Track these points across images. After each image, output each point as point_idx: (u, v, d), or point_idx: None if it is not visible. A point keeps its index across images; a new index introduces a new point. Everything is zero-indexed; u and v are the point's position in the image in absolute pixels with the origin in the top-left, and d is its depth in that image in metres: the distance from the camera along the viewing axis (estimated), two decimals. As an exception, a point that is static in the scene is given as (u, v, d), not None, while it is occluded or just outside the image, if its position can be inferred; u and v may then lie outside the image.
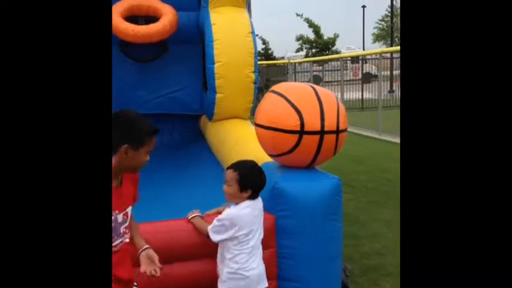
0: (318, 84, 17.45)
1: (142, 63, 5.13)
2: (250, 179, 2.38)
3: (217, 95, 4.39)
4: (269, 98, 2.66)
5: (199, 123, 5.49)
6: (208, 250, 2.49)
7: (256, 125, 2.68)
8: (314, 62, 19.09)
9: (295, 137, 2.51)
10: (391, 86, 19.76)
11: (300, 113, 2.50)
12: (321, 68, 19.65)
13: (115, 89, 5.59)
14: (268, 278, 2.60)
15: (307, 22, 24.02)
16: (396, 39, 30.04)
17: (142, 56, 5.09)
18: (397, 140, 10.13)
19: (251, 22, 4.45)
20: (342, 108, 2.63)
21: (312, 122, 2.50)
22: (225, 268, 2.35)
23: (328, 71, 19.47)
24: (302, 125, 2.49)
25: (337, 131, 2.55)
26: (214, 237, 2.37)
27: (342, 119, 2.58)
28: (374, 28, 45.09)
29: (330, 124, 2.52)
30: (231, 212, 2.38)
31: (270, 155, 2.74)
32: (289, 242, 2.59)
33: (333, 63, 19.51)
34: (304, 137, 2.51)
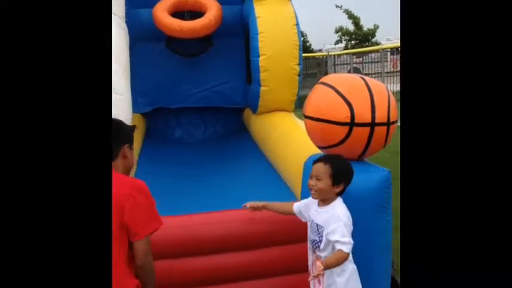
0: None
1: (187, 58, 5.21)
2: (344, 173, 2.25)
3: (262, 88, 4.41)
4: (318, 90, 2.66)
5: (242, 116, 5.53)
6: (264, 240, 2.54)
7: (306, 116, 2.69)
8: (353, 54, 18.83)
9: (345, 129, 2.51)
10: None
11: (351, 104, 2.49)
12: (360, 60, 19.38)
13: (161, 84, 5.72)
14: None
15: (347, 13, 23.69)
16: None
17: (188, 50, 5.18)
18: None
19: (295, 14, 4.44)
20: (393, 99, 2.60)
21: (363, 114, 2.48)
22: (350, 264, 2.22)
23: (368, 62, 19.16)
24: (352, 116, 2.48)
25: (388, 123, 2.53)
26: (346, 248, 2.10)
27: (392, 111, 2.55)
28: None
29: (380, 116, 2.50)
30: (343, 211, 2.19)
31: (319, 147, 2.74)
32: (338, 234, 2.59)
33: (372, 55, 19.19)
34: (355, 129, 2.50)
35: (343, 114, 2.49)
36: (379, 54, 18.43)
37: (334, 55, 19.09)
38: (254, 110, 4.75)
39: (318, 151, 2.94)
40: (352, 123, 2.49)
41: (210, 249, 2.62)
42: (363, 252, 2.58)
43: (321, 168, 2.23)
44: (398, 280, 3.11)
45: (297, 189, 3.04)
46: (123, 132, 2.10)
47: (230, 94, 5.30)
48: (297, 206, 2.48)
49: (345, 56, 19.30)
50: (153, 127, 5.43)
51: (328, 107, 2.54)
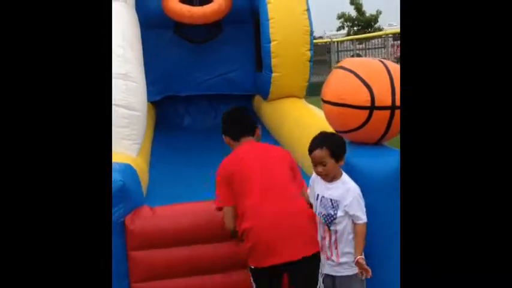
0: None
1: (196, 44, 5.18)
2: (340, 146, 2.38)
3: (273, 74, 4.40)
4: (337, 74, 2.65)
5: (252, 103, 5.52)
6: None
7: (324, 101, 2.68)
8: (355, 40, 18.74)
9: (366, 112, 2.50)
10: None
11: (370, 88, 2.48)
12: (362, 46, 19.27)
13: (170, 71, 5.69)
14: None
15: (349, -1, 23.57)
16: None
17: (197, 37, 5.15)
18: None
19: (306, -1, 4.41)
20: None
21: (383, 97, 2.47)
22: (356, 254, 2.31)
23: (370, 49, 19.06)
24: (373, 100, 2.47)
25: (408, 106, 2.52)
26: (365, 218, 2.35)
27: (412, 94, 2.55)
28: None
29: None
30: (354, 185, 2.37)
31: (338, 132, 2.73)
32: (359, 219, 2.59)
33: (373, 41, 19.09)
34: (375, 112, 2.49)
35: (363, 98, 2.48)
36: (381, 40, 18.36)
37: (337, 42, 18.99)
38: (265, 96, 4.74)
39: (335, 136, 2.94)
40: (372, 107, 2.48)
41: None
42: (384, 235, 2.59)
43: (320, 153, 2.33)
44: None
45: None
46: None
47: (240, 81, 5.28)
48: (309, 190, 2.52)
49: (347, 42, 19.21)
50: (163, 115, 5.42)
51: (348, 91, 2.53)
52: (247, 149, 2.43)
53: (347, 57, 18.60)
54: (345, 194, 2.33)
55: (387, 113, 2.50)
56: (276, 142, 4.25)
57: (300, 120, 3.86)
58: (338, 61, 17.54)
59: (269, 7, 4.31)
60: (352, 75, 2.54)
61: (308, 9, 4.39)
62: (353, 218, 2.33)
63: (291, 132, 3.87)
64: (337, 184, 2.37)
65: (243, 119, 2.58)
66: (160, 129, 5.03)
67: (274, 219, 2.19)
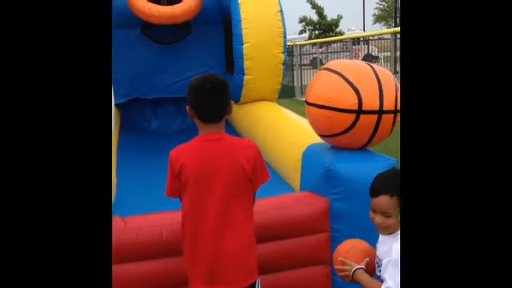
0: (316, 67, 17.27)
1: (164, 45, 5.00)
2: None
3: (246, 77, 4.27)
4: (323, 76, 2.55)
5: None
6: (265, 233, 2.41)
7: (309, 103, 2.57)
8: (316, 43, 18.90)
9: (352, 116, 2.41)
10: (395, 67, 19.64)
11: (358, 91, 2.39)
12: (323, 49, 19.46)
13: (136, 72, 5.52)
14: (322, 262, 2.53)
15: (311, 3, 23.77)
16: (398, 19, 29.72)
17: (165, 38, 4.96)
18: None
19: (279, 0, 4.31)
20: (399, 87, 2.52)
21: (371, 101, 2.39)
22: None
23: (331, 52, 19.28)
24: (360, 103, 2.38)
25: (395, 111, 2.45)
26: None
27: (400, 99, 2.48)
28: (374, 9, 44.73)
29: (388, 103, 2.41)
30: (398, 247, 1.68)
31: (322, 136, 2.63)
32: (343, 226, 2.50)
33: (334, 45, 19.31)
34: (362, 116, 2.40)
35: (350, 101, 2.39)
36: (340, 44, 18.59)
37: (299, 45, 19.11)
38: (236, 100, 4.60)
39: (314, 140, 2.84)
40: (359, 111, 2.39)
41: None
42: (368, 241, 2.52)
43: (388, 203, 1.80)
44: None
45: (295, 181, 2.93)
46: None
47: (209, 84, 5.13)
48: None
49: (308, 46, 19.36)
50: (128, 119, 5.20)
51: (335, 93, 2.43)
52: (209, 149, 2.01)
53: (309, 60, 18.73)
54: (388, 251, 1.81)
55: (374, 117, 2.41)
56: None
57: (276, 124, 3.74)
58: (301, 64, 17.66)
59: (241, 7, 4.19)
60: (339, 77, 2.44)
61: (281, 11, 4.29)
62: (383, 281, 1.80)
63: (265, 136, 3.75)
64: (390, 239, 1.84)
65: (217, 102, 2.01)
66: (126, 133, 4.81)
67: (207, 256, 1.93)
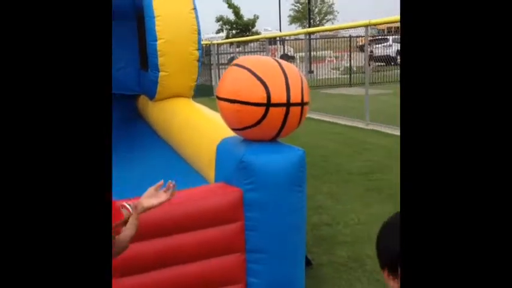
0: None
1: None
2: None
3: (160, 73, 4.27)
4: (232, 71, 2.64)
5: (135, 104, 5.32)
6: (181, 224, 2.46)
7: (220, 98, 2.65)
8: (233, 43, 19.10)
9: (262, 109, 2.52)
10: (310, 66, 20.35)
11: (266, 85, 2.50)
12: (241, 49, 19.71)
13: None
14: (237, 251, 2.63)
15: (227, 3, 23.92)
16: (312, 20, 30.68)
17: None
18: (326, 118, 10.47)
19: (193, -2, 4.36)
20: (305, 81, 2.67)
21: (278, 94, 2.51)
22: None
23: (249, 52, 19.56)
24: (268, 97, 2.50)
25: (302, 103, 2.60)
26: None
27: (305, 92, 2.62)
28: (290, 10, 45.90)
29: (295, 96, 2.55)
30: None
31: (234, 129, 2.73)
32: (256, 215, 2.61)
33: (251, 44, 19.63)
34: (271, 109, 2.52)
35: (259, 95, 2.50)
36: (257, 44, 18.92)
37: (217, 44, 19.21)
38: (151, 96, 4.59)
39: (228, 134, 2.93)
40: (268, 104, 2.51)
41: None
42: (279, 232, 2.64)
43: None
44: (310, 258, 3.25)
45: (210, 173, 3.00)
46: None
47: (124, 80, 5.06)
48: None
49: (226, 45, 19.51)
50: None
51: (244, 88, 2.53)
52: None
53: (227, 59, 18.89)
54: None
55: (283, 110, 2.54)
56: (164, 143, 4.13)
57: (190, 119, 3.79)
58: (218, 63, 17.75)
59: (154, 4, 4.18)
60: (248, 72, 2.54)
61: (195, 8, 4.34)
62: None
63: (180, 132, 3.79)
64: None
65: None
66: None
67: None
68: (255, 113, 2.53)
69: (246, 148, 2.64)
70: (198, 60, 4.36)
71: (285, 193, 2.61)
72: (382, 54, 20.71)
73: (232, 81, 2.60)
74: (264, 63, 2.62)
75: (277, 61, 2.63)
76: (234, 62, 2.70)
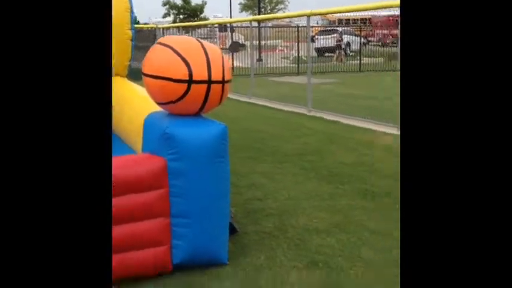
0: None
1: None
2: None
3: (95, 53, 4.33)
4: (157, 50, 2.80)
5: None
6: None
7: (145, 74, 2.81)
8: (182, 27, 19.00)
9: (184, 86, 2.70)
10: (259, 55, 20.57)
11: (188, 63, 2.68)
12: (189, 34, 19.62)
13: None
14: (161, 215, 2.78)
15: (174, -13, 23.69)
16: (263, 9, 30.87)
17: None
18: (270, 104, 10.72)
19: (125, -23, 4.42)
20: (226, 60, 2.87)
21: (200, 72, 2.70)
22: None
23: (198, 38, 19.48)
24: (190, 74, 2.68)
25: (223, 81, 2.79)
26: None
27: (226, 71, 2.82)
28: (240, -3, 45.75)
29: (216, 74, 2.74)
30: None
31: (159, 103, 2.89)
32: (180, 182, 2.77)
33: (200, 30, 19.57)
34: (193, 86, 2.70)
35: (182, 72, 2.68)
36: (206, 30, 18.90)
37: (163, 28, 19.03)
38: (87, 75, 4.65)
39: (156, 109, 3.10)
40: (190, 81, 2.69)
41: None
42: (203, 199, 2.83)
43: None
44: (236, 226, 3.46)
45: (139, 147, 3.16)
46: None
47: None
48: None
49: (173, 29, 19.37)
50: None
51: (167, 65, 2.70)
52: None
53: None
54: None
55: (204, 86, 2.73)
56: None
57: (123, 97, 3.92)
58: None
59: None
60: (170, 50, 2.71)
61: (128, -12, 4.41)
62: None
63: (115, 110, 3.89)
64: None
65: None
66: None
67: None
68: (178, 89, 2.71)
69: (170, 121, 2.82)
70: (132, 40, 4.45)
71: (207, 163, 2.80)
72: (330, 45, 21.25)
73: (156, 58, 2.77)
74: (186, 42, 2.80)
75: (199, 41, 2.81)
76: (158, 40, 2.86)
